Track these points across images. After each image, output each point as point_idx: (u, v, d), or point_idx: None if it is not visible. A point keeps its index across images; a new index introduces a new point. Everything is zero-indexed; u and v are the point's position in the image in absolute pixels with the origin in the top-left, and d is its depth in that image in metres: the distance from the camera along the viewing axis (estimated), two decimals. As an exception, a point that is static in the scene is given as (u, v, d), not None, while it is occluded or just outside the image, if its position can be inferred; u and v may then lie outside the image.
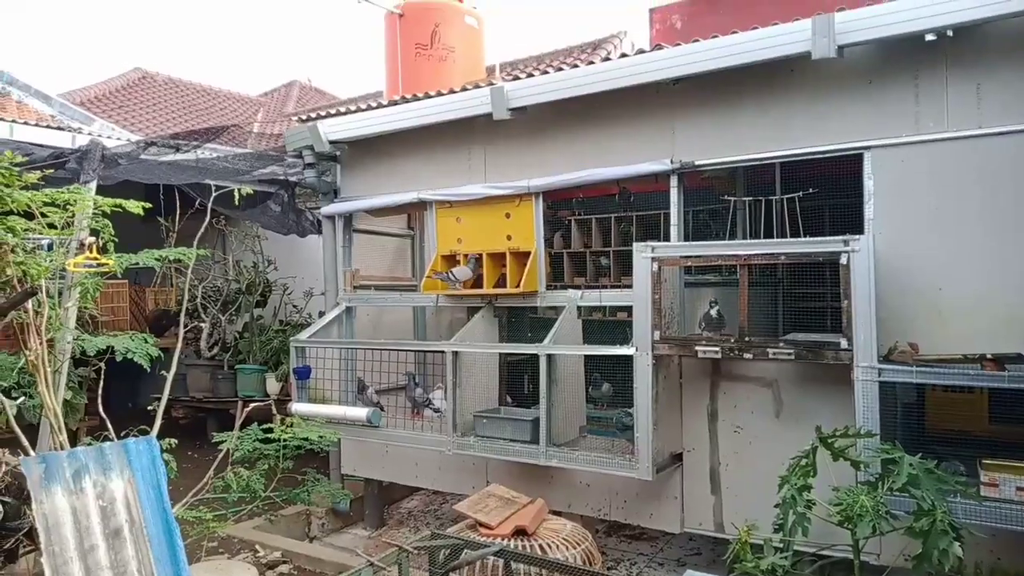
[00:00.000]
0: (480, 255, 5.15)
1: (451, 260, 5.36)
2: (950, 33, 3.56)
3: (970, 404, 3.73)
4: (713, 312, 4.31)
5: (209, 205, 5.14)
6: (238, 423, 4.41)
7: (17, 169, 3.65)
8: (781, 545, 3.21)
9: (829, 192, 4.89)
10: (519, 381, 5.89)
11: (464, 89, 6.14)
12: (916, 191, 3.76)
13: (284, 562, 5.00)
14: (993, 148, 3.58)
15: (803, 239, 4.09)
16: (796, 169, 4.82)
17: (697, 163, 4.40)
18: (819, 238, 3.84)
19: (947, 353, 3.52)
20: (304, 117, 8.82)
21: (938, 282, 3.70)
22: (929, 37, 3.57)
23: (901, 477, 2.96)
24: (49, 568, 2.61)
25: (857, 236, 3.60)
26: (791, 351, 3.77)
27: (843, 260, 3.58)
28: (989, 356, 3.31)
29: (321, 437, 4.51)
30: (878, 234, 3.81)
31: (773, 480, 3.43)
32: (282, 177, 6.63)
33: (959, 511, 3.17)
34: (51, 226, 3.82)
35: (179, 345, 4.36)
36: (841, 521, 3.06)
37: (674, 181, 4.48)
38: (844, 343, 3.58)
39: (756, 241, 4.72)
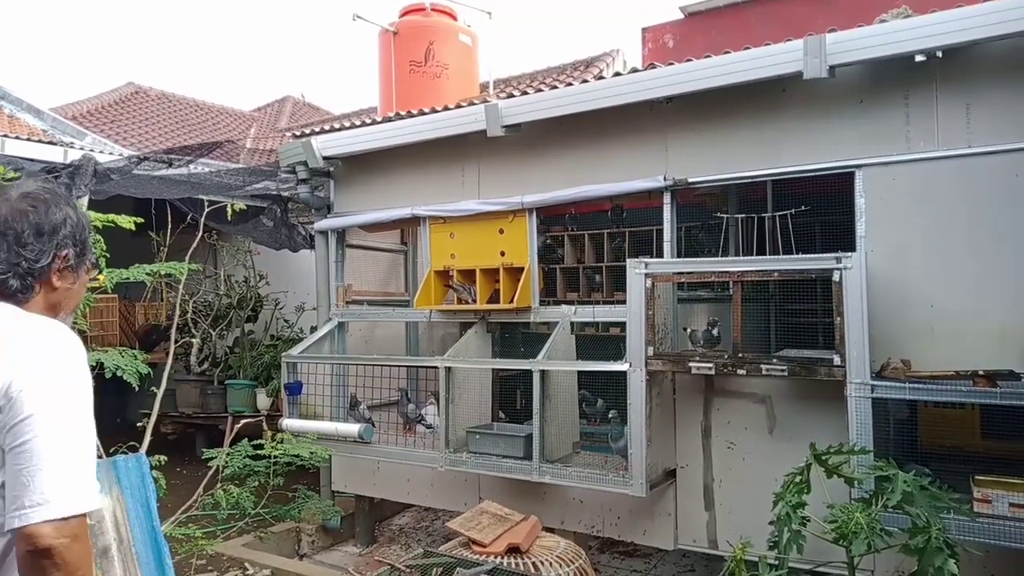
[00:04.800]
0: (473, 270, 5.16)
1: (444, 275, 5.36)
2: (940, 54, 3.61)
3: (962, 420, 3.75)
4: (700, 333, 4.33)
5: (201, 220, 5.12)
6: (228, 439, 4.37)
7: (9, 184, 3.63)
8: (776, 562, 3.20)
9: (821, 209, 4.92)
10: (512, 397, 5.86)
11: (458, 106, 6.18)
12: (908, 209, 3.80)
13: (273, 580, 4.94)
14: (982, 167, 3.62)
15: (796, 256, 4.11)
16: (788, 186, 4.86)
17: (690, 180, 4.43)
18: (812, 255, 3.87)
19: (939, 369, 3.54)
20: (298, 133, 8.84)
21: (930, 299, 3.72)
22: (919, 58, 3.62)
23: (896, 494, 2.96)
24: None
25: (849, 253, 3.62)
26: (784, 367, 3.77)
27: (835, 277, 3.60)
28: (981, 372, 3.33)
29: (312, 453, 4.47)
30: (870, 251, 3.83)
31: (767, 496, 3.42)
32: (275, 192, 6.63)
33: (952, 527, 3.17)
34: (42, 240, 3.79)
35: (169, 361, 4.33)
36: (836, 538, 3.06)
37: (667, 198, 4.51)
38: (837, 359, 3.59)
39: (749, 258, 4.74)
